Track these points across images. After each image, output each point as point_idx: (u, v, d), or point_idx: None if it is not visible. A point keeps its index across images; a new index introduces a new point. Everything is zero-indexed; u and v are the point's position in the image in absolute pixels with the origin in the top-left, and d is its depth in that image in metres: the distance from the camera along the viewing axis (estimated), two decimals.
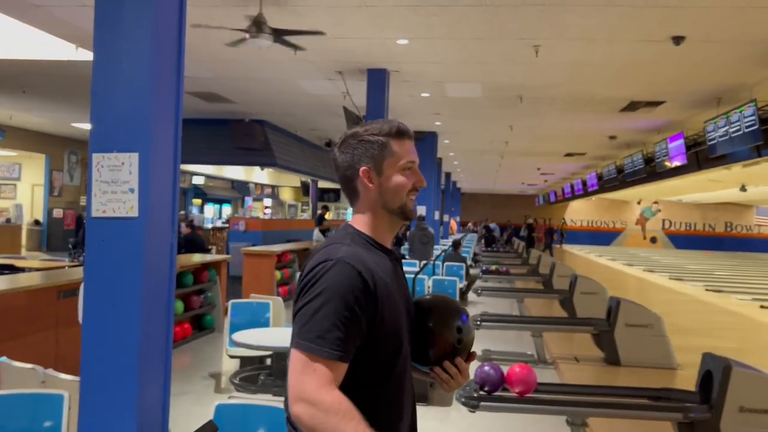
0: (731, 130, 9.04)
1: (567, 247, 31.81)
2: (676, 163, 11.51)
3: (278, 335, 4.50)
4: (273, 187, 27.23)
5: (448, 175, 24.40)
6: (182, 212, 17.04)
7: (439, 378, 1.49)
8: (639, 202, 32.72)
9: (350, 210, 1.56)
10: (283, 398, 1.40)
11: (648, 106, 9.83)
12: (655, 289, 14.09)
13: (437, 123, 12.26)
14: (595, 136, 13.39)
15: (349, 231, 1.46)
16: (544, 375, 5.77)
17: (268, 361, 5.18)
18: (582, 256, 25.02)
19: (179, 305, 6.75)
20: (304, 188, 22.18)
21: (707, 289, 13.44)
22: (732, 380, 3.33)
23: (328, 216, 16.04)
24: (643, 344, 5.81)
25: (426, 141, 13.03)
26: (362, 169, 1.44)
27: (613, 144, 14.18)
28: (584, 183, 21.54)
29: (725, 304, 11.03)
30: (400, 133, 1.47)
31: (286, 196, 29.57)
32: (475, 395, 3.63)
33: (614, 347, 5.88)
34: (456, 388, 1.50)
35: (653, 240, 34.17)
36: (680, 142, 11.11)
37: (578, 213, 34.99)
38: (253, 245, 11.59)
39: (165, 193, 2.59)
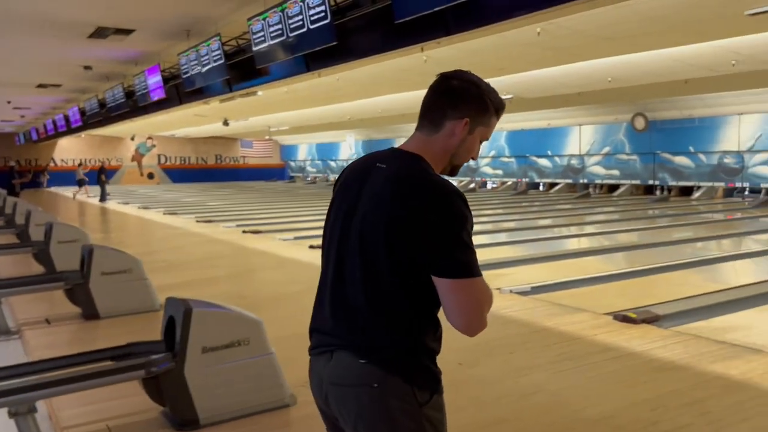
0: (203, 64, 9.23)
1: (58, 189, 29.02)
2: (157, 97, 11.32)
3: None
4: None
5: None
6: None
7: None
8: (133, 138, 32.07)
9: None
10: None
11: (118, 34, 9.16)
12: (151, 225, 13.96)
13: None
14: (67, 65, 12.01)
15: (424, 166, 1.57)
16: (6, 351, 4.79)
17: None
18: (75, 198, 23.16)
19: None
20: None
21: (198, 221, 14.00)
22: (193, 323, 3.18)
23: None
24: (122, 291, 5.39)
25: None
26: (466, 120, 1.58)
27: (90, 75, 13.05)
28: (67, 119, 19.61)
29: (214, 233, 11.64)
30: (499, 112, 1.64)
31: None
32: None
33: (91, 300, 5.30)
34: None
35: (150, 176, 34.34)
36: (157, 75, 10.90)
37: (69, 152, 32.26)
38: None
39: None
